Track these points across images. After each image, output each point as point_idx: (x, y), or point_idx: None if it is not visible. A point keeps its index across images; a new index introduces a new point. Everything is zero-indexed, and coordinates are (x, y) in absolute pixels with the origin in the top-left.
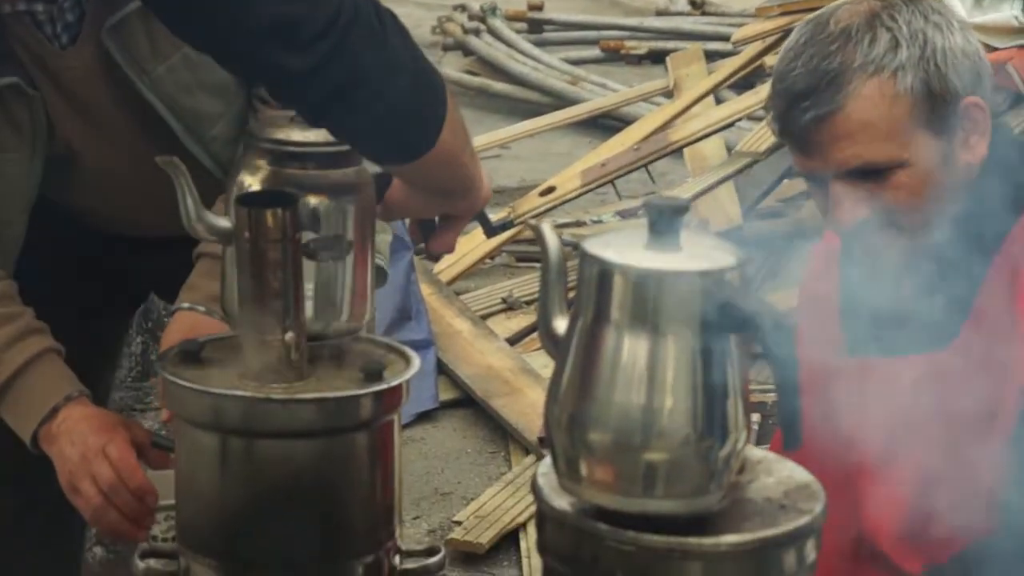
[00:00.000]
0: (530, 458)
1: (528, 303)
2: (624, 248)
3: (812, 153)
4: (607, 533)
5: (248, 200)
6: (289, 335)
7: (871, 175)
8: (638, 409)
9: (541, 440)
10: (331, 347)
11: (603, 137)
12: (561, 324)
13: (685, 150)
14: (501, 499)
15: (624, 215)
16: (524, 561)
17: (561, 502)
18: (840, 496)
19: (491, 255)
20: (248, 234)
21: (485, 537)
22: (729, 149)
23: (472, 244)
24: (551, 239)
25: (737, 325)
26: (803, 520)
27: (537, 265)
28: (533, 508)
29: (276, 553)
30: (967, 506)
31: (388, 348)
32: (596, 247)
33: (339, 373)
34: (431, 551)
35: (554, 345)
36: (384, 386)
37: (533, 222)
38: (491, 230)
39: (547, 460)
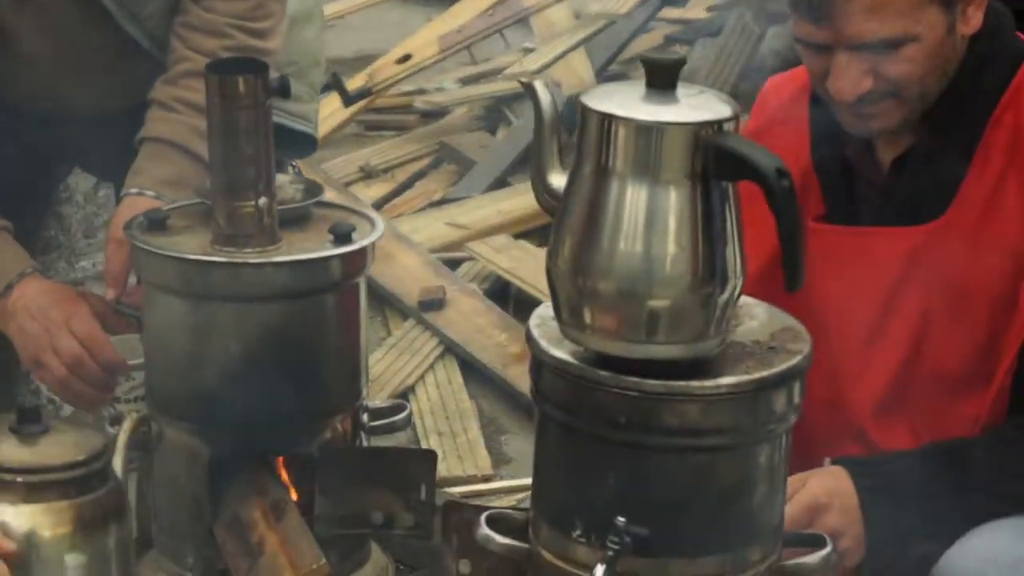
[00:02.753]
0: (409, 322)
1: (385, 170)
2: (625, 101)
3: (824, 24)
4: (609, 379)
5: (218, 68)
6: (262, 200)
7: (880, 48)
8: (641, 257)
9: (421, 304)
10: (297, 212)
11: (438, 7)
12: (557, 178)
13: (532, 17)
14: (386, 364)
15: (465, 82)
16: (417, 422)
17: (559, 351)
18: (818, 368)
19: (344, 124)
20: (220, 101)
21: (377, 400)
22: (577, 15)
23: (327, 111)
24: (544, 95)
25: (736, 173)
26: (795, 360)
27: (388, 133)
28: (420, 371)
29: (250, 415)
30: (945, 384)
31: (352, 212)
32: (597, 100)
33: (308, 236)
34: (397, 408)
35: (551, 199)
36: (355, 247)
37: (525, 79)
38: (348, 99)
39: (538, 311)
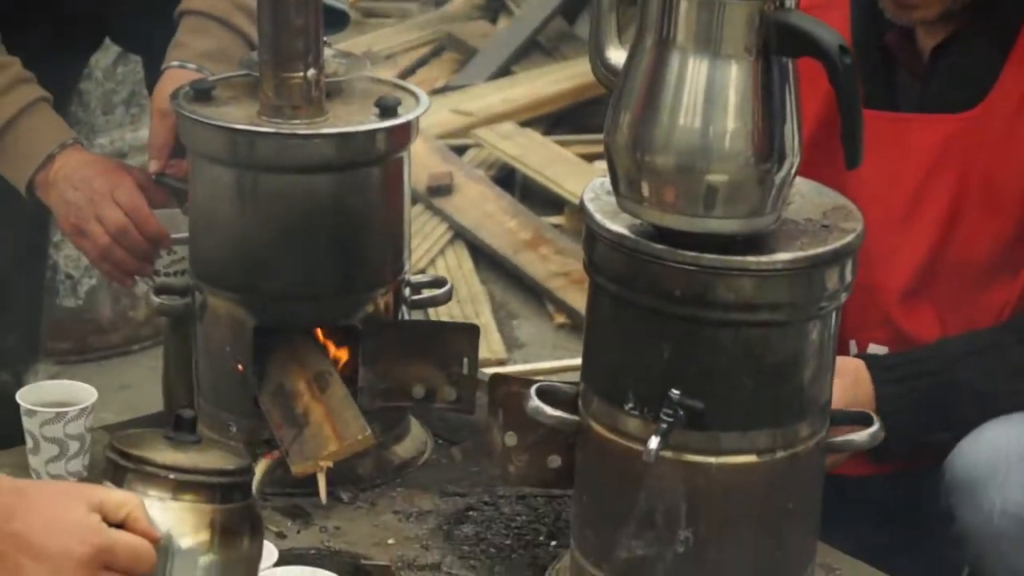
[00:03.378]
0: (418, 207)
1: (387, 57)
2: None
3: None
4: (666, 253)
5: None
6: (311, 72)
7: None
8: (700, 132)
9: (430, 189)
10: (342, 85)
11: None
12: (615, 53)
13: None
14: None
15: None
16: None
17: (615, 224)
18: None
19: None
20: None
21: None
22: None
23: None
24: None
25: (798, 50)
26: (848, 238)
27: (388, 21)
28: (430, 256)
29: (295, 286)
30: (972, 272)
31: (396, 86)
32: None
33: (353, 109)
34: (438, 283)
35: (609, 74)
36: (401, 120)
37: None
38: None
39: (591, 185)
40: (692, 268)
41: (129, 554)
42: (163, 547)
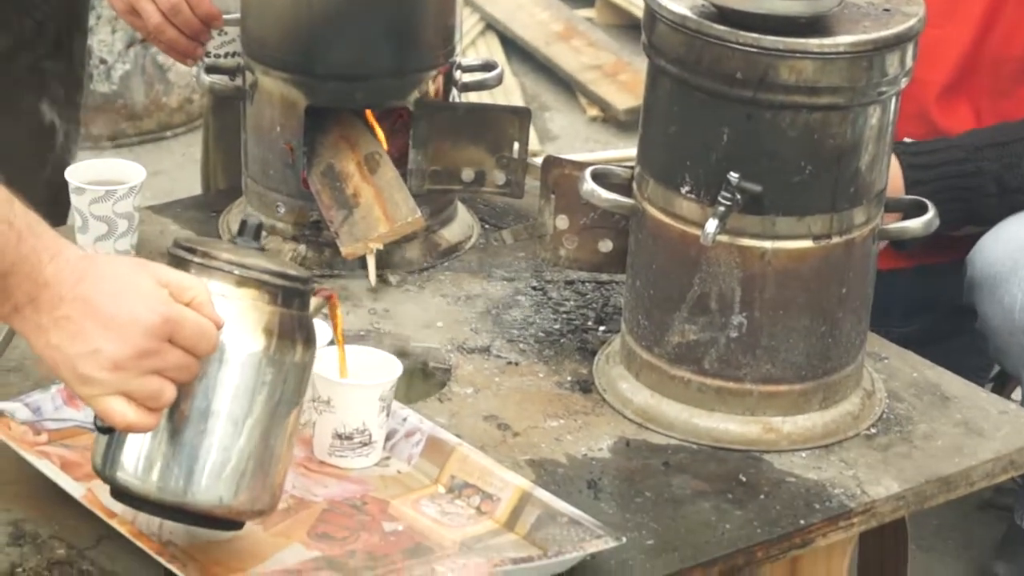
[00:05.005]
0: None
1: None
2: None
3: None
4: (727, 34)
5: None
6: None
7: None
8: None
9: None
10: None
11: None
12: None
13: None
14: None
15: None
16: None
17: (677, 5)
18: None
19: None
20: None
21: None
22: None
23: None
24: None
25: None
26: (911, 22)
27: None
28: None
29: (347, 66)
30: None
31: None
32: None
33: None
34: (488, 66)
35: None
36: None
37: None
38: None
39: None
40: (753, 50)
41: (195, 330)
42: (221, 339)
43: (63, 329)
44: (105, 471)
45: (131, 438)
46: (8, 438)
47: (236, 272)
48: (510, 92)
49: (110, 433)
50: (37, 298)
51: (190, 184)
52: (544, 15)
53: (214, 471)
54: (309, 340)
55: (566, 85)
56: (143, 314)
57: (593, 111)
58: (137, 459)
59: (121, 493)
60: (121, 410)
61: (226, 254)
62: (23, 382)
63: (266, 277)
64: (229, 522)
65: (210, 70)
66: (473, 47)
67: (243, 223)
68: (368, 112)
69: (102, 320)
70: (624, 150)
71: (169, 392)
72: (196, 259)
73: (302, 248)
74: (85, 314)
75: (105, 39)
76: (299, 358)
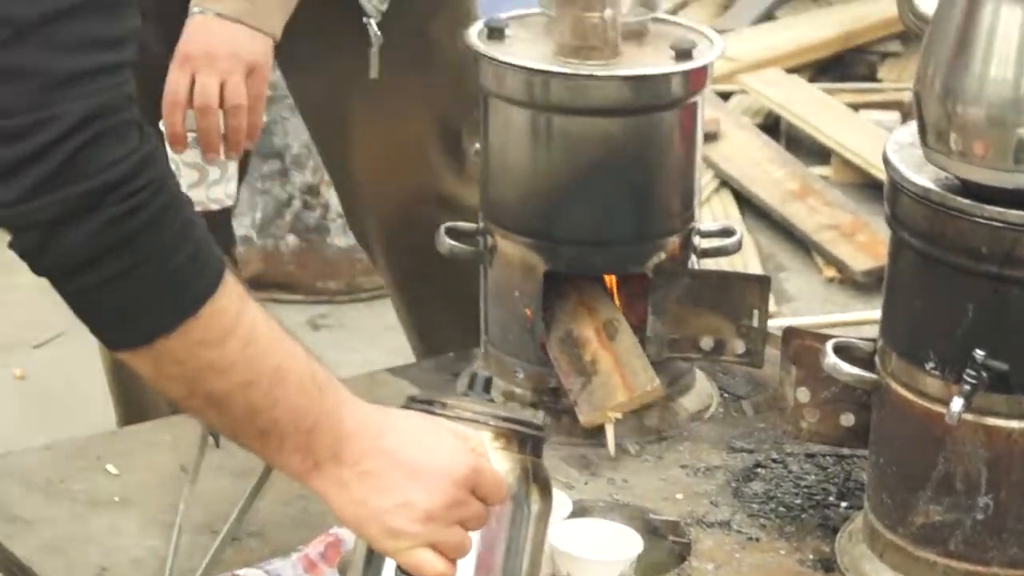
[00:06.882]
0: None
1: None
2: None
3: None
4: (973, 208)
5: None
6: (607, 12)
7: None
8: (1013, 84)
9: None
10: (635, 27)
11: None
12: (924, 1)
13: None
14: None
15: None
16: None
17: (921, 178)
18: None
19: None
20: None
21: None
22: None
23: None
24: None
25: None
26: None
27: None
28: None
29: (587, 231)
30: None
31: (688, 28)
32: None
33: (647, 51)
34: (727, 231)
35: (919, 21)
36: (698, 63)
37: None
38: None
39: (894, 137)
40: (999, 224)
41: (493, 482)
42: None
43: (368, 483)
44: None
45: None
46: None
47: (492, 423)
48: (746, 251)
49: None
50: (339, 453)
51: None
52: (779, 173)
53: None
54: (546, 488)
55: (802, 244)
56: (451, 465)
57: (830, 272)
58: None
59: None
60: (432, 562)
61: (476, 406)
62: (263, 547)
63: (518, 428)
64: None
65: (450, 233)
66: (708, 205)
67: (473, 376)
68: (607, 278)
69: (410, 472)
70: (862, 312)
71: (468, 543)
72: (445, 412)
73: (540, 415)
74: (392, 467)
75: None
76: (539, 507)
